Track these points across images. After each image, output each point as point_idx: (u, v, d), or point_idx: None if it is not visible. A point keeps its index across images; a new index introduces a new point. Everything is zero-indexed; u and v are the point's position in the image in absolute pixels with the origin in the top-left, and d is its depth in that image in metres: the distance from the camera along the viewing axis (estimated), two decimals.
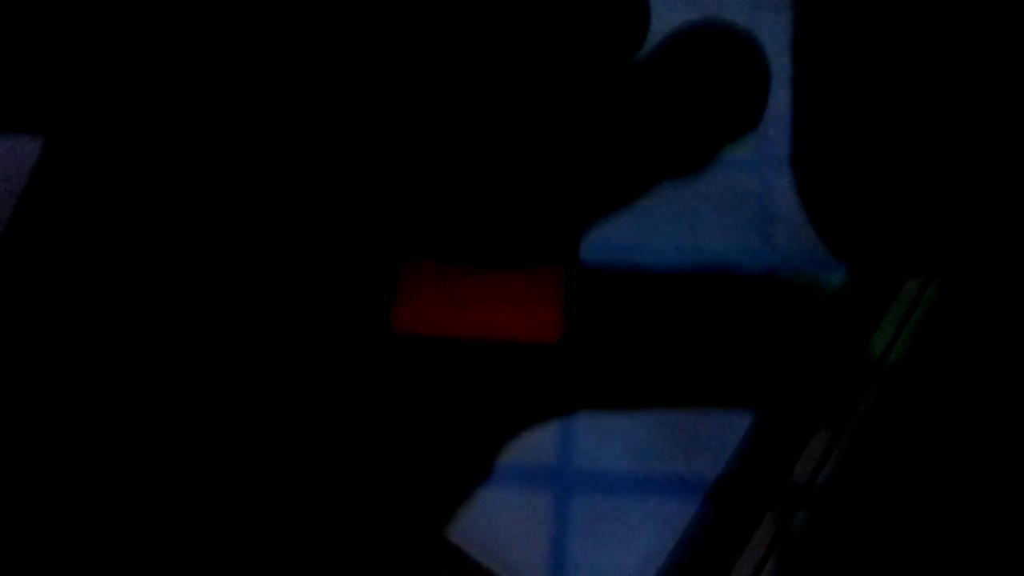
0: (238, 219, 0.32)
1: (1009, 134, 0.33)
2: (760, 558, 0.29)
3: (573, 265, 0.32)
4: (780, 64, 0.34)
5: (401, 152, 0.33)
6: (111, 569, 0.29)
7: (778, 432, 0.31)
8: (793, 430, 0.31)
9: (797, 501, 0.30)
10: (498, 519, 0.30)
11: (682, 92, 0.33)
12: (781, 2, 0.35)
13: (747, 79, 0.34)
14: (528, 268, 0.32)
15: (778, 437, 0.30)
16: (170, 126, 0.33)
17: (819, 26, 0.35)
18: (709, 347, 0.32)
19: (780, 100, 0.34)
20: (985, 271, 0.32)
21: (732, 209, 0.33)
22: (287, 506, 0.30)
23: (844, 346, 0.31)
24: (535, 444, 0.31)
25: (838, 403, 0.31)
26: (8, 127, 0.33)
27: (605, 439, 0.31)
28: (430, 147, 0.33)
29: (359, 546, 0.29)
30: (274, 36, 0.34)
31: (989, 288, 0.32)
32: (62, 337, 0.31)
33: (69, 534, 0.29)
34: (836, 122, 0.34)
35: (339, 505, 0.30)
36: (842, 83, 0.34)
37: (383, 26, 0.34)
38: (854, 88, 0.34)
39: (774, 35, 0.35)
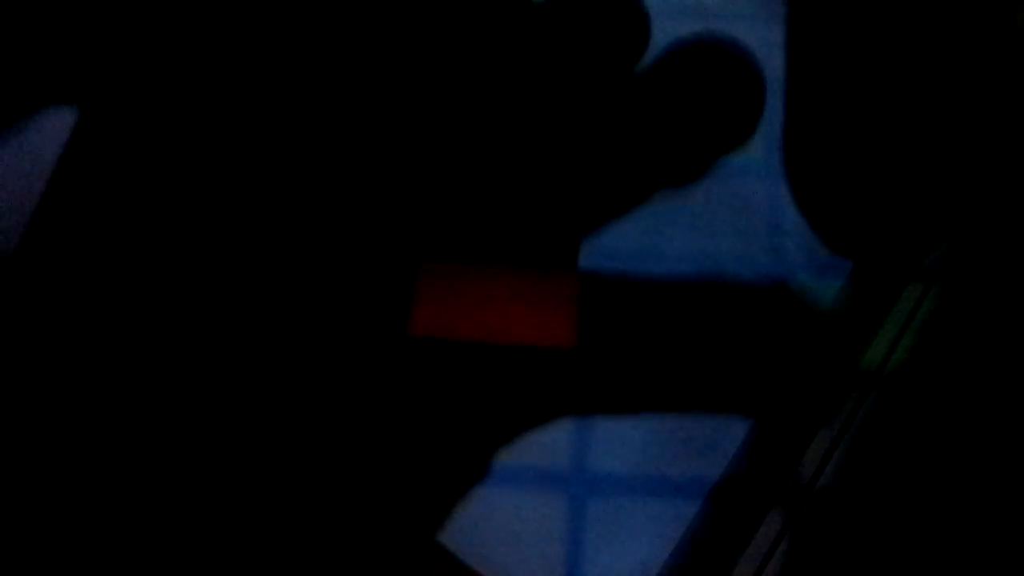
0: (257, 223, 0.33)
1: (1004, 132, 0.33)
2: (760, 561, 0.30)
3: (578, 269, 0.33)
4: (783, 73, 0.35)
5: (415, 157, 0.33)
6: (111, 569, 0.29)
7: (779, 436, 0.31)
8: (794, 434, 0.31)
9: (797, 504, 0.30)
10: (500, 523, 0.30)
11: (682, 101, 0.34)
12: (782, 13, 0.35)
13: (745, 88, 0.34)
14: (540, 272, 0.32)
15: (779, 441, 0.31)
16: (188, 132, 0.33)
17: (817, 34, 0.35)
18: (715, 353, 0.32)
19: (785, 109, 0.35)
20: (984, 273, 0.32)
21: (742, 218, 0.33)
22: (296, 508, 0.30)
23: (845, 351, 0.32)
24: (544, 448, 0.31)
25: (838, 407, 0.31)
26: (18, 122, 0.34)
27: (610, 443, 0.31)
28: (443, 153, 0.33)
29: (360, 549, 0.30)
30: (294, 46, 0.34)
31: (989, 292, 0.32)
32: (86, 340, 0.31)
33: (69, 534, 0.29)
34: (834, 124, 0.34)
35: (344, 506, 0.30)
36: (841, 88, 0.35)
37: (399, 40, 0.34)
38: (852, 92, 0.35)
39: (776, 46, 0.35)
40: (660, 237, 0.33)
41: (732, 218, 0.34)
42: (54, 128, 0.34)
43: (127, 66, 0.34)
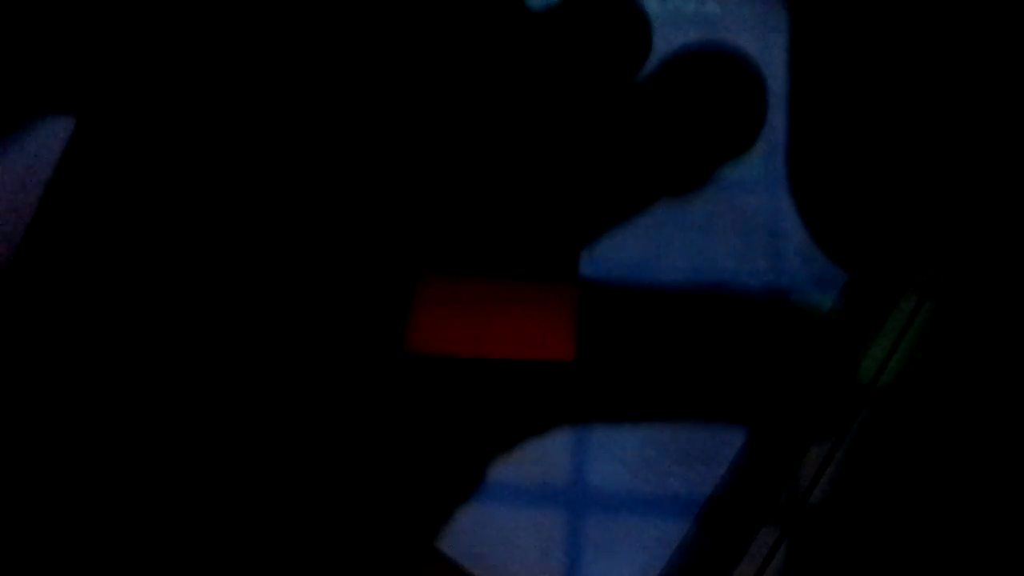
0: (255, 235, 0.33)
1: (1007, 146, 0.33)
2: (756, 572, 0.30)
3: (579, 281, 0.33)
4: (784, 83, 0.35)
5: (413, 169, 0.33)
6: (111, 569, 0.29)
7: (776, 446, 0.31)
8: (790, 445, 0.31)
9: (793, 515, 0.30)
10: (499, 533, 0.31)
11: (682, 111, 0.34)
12: (784, 23, 0.35)
13: (746, 98, 0.34)
14: (539, 284, 0.33)
15: (776, 451, 0.31)
16: (186, 142, 0.34)
17: (820, 45, 0.35)
18: (713, 363, 0.32)
19: (786, 120, 0.35)
20: (981, 285, 0.32)
21: (741, 228, 0.34)
22: (298, 518, 0.30)
23: (840, 363, 0.32)
24: (544, 460, 0.32)
25: (835, 418, 0.31)
26: (17, 127, 0.34)
27: (608, 454, 0.32)
28: (440, 164, 0.34)
29: (361, 558, 0.30)
30: (292, 58, 0.35)
31: (985, 305, 0.32)
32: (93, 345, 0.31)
33: (69, 534, 0.30)
34: (837, 137, 0.34)
35: (345, 518, 0.31)
36: (844, 99, 0.35)
37: (398, 50, 0.34)
38: (855, 103, 0.35)
39: (777, 55, 0.35)
40: (659, 248, 0.34)
41: (731, 228, 0.34)
42: (52, 133, 0.34)
43: (126, 71, 0.34)
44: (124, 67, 0.34)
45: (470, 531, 0.31)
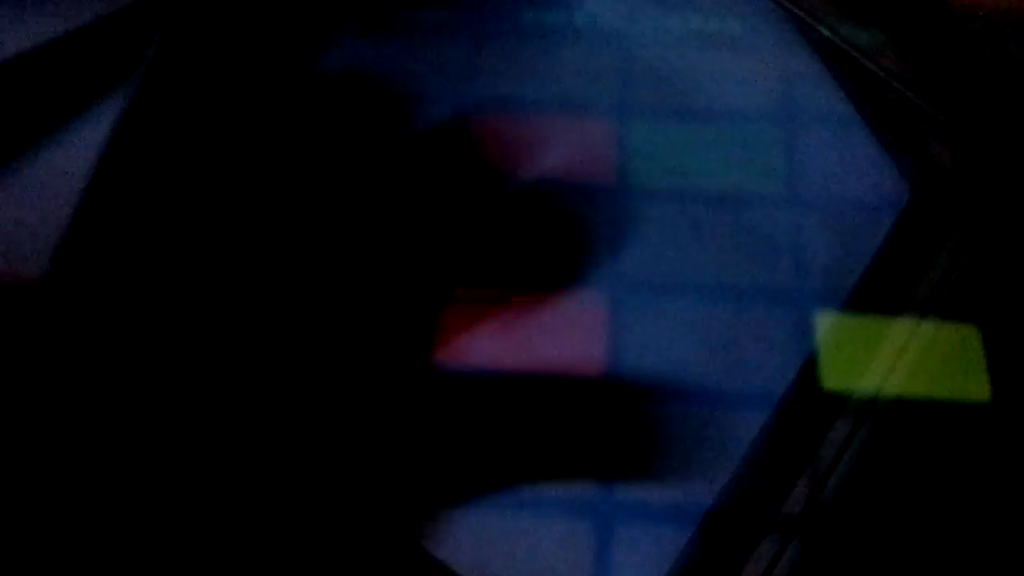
0: (285, 243, 0.33)
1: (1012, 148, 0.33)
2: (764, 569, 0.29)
3: (603, 299, 0.33)
4: (807, 102, 0.35)
5: (445, 177, 0.34)
6: (109, 569, 0.30)
7: (783, 453, 0.31)
8: (797, 452, 0.31)
9: (793, 528, 0.30)
10: (501, 545, 0.31)
11: (702, 128, 0.34)
12: (806, 44, 0.36)
13: (767, 118, 0.34)
14: (565, 301, 0.33)
15: (783, 458, 0.31)
16: (222, 144, 0.34)
17: (844, 67, 0.35)
18: (734, 381, 0.32)
19: (812, 138, 0.35)
20: (982, 288, 0.32)
21: (763, 250, 0.34)
22: (314, 529, 0.31)
23: (852, 366, 0.31)
24: (569, 474, 0.32)
25: (842, 426, 0.31)
26: (46, 139, 0.35)
27: (630, 467, 0.32)
28: (470, 181, 0.34)
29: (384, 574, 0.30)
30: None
31: (988, 306, 0.32)
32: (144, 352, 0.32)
33: (69, 534, 0.30)
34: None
35: (363, 531, 0.31)
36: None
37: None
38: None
39: (797, 74, 0.35)
40: (685, 271, 0.34)
41: (754, 250, 0.34)
42: (83, 143, 0.35)
43: (152, 78, 0.35)
44: (152, 74, 0.36)
45: (472, 542, 0.31)
